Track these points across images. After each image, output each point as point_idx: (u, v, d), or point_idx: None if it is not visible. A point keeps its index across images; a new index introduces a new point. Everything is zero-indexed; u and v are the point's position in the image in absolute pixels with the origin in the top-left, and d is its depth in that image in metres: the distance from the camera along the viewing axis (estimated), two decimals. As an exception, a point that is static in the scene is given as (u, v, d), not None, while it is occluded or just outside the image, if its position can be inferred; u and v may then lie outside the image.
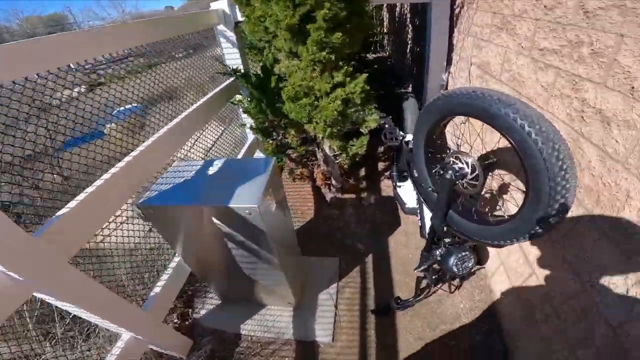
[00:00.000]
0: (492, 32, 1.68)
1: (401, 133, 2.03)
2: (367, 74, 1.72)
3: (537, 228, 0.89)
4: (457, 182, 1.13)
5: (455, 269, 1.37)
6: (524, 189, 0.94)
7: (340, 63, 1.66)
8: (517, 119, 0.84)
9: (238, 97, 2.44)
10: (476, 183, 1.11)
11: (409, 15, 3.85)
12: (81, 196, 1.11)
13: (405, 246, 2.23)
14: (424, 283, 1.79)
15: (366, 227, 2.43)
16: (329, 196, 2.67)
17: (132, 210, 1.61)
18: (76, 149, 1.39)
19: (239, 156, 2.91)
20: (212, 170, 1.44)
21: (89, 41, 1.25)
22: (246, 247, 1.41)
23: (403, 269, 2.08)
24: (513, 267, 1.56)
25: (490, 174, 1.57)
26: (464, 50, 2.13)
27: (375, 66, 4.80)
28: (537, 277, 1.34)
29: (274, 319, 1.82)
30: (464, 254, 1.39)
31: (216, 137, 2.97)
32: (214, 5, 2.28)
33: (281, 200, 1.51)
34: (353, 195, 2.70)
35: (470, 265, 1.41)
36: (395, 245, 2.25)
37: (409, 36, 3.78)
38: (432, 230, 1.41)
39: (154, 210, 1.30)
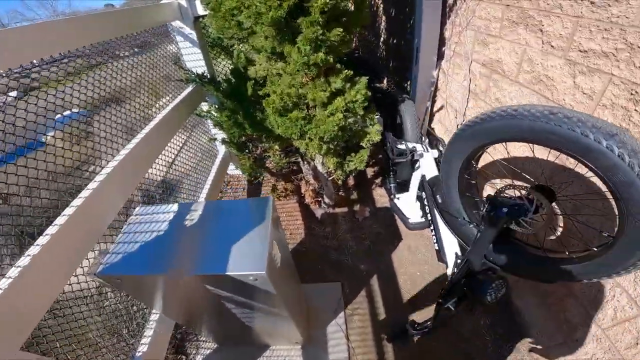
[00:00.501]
0: (504, 27, 1.48)
1: (411, 146, 1.81)
2: (367, 77, 1.45)
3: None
4: (512, 221, 0.91)
5: (489, 299, 1.21)
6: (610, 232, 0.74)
7: (338, 65, 1.36)
8: (625, 155, 0.62)
9: (205, 106, 2.03)
10: (536, 221, 0.90)
11: (382, 5, 3.60)
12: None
13: (412, 263, 2.04)
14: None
15: (364, 245, 2.20)
16: (319, 212, 2.39)
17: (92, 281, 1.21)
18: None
19: (212, 171, 2.52)
20: (191, 219, 1.09)
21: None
22: (248, 306, 1.11)
23: (413, 287, 1.91)
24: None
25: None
26: (460, 45, 1.93)
27: (345, 59, 4.51)
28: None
29: (282, 361, 1.57)
30: (498, 282, 1.23)
31: (178, 146, 2.54)
32: (165, -1, 1.84)
33: (283, 242, 1.22)
34: (345, 209, 2.45)
35: (503, 292, 1.25)
36: (400, 262, 2.05)
37: (384, 27, 3.54)
38: (465, 264, 1.21)
39: (122, 279, 0.96)
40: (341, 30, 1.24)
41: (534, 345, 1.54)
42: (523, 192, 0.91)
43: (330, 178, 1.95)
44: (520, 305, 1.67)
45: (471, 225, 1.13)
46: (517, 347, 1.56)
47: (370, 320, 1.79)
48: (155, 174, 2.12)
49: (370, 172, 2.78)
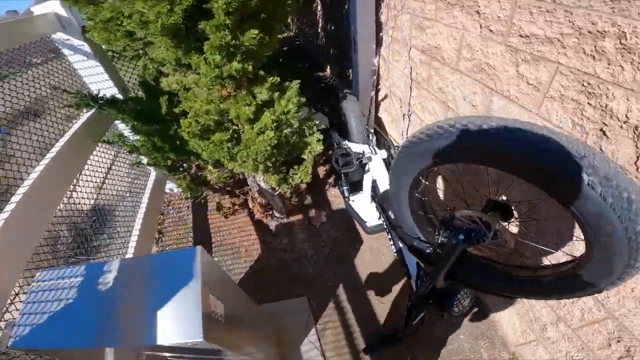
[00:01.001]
0: (440, 9, 1.35)
1: (358, 149, 1.66)
2: (299, 81, 1.24)
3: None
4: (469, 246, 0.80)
5: (456, 311, 1.15)
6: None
7: (261, 72, 1.13)
8: (597, 185, 0.52)
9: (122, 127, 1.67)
10: (493, 244, 0.80)
11: (312, -15, 3.34)
12: None
13: (375, 265, 1.95)
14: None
15: (325, 252, 2.07)
16: (272, 224, 2.19)
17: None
18: None
19: (146, 193, 2.17)
20: (107, 282, 0.87)
21: None
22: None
23: (381, 293, 1.82)
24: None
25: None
26: (397, 30, 1.79)
27: (286, 48, 4.19)
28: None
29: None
30: (464, 293, 1.16)
31: (106, 167, 2.15)
32: (38, 9, 1.43)
33: (227, 283, 1.03)
34: (300, 216, 2.27)
35: (470, 301, 1.20)
36: (364, 267, 1.96)
37: (321, 13, 3.30)
38: (427, 283, 1.11)
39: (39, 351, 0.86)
40: (257, 32, 1.01)
41: (509, 341, 1.54)
42: (477, 214, 0.79)
43: (277, 193, 1.75)
44: (489, 302, 1.66)
45: (427, 250, 1.01)
46: (493, 343, 1.55)
47: (343, 333, 1.71)
48: (83, 202, 1.82)
49: (322, 171, 2.62)
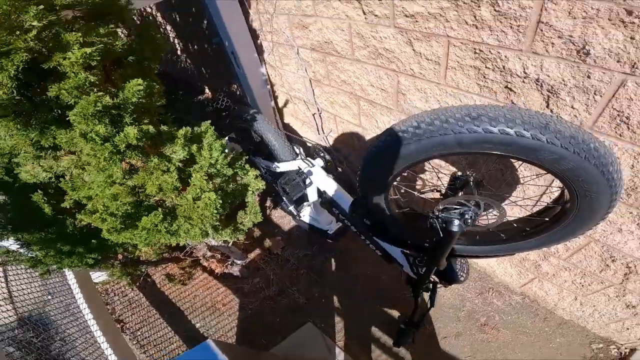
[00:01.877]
0: (318, 3, 1.35)
1: (291, 167, 1.57)
2: (208, 121, 1.07)
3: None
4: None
5: (462, 279, 1.22)
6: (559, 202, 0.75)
7: (164, 128, 0.93)
8: (567, 144, 0.59)
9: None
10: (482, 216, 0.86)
11: (159, 15, 2.94)
12: None
13: (357, 265, 1.95)
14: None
15: (301, 274, 1.96)
16: (235, 271, 1.95)
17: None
18: None
19: (76, 291, 1.73)
20: None
21: None
22: None
23: (374, 285, 1.85)
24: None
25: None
26: (277, 34, 1.73)
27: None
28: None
29: None
30: (461, 262, 1.24)
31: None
32: None
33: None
34: (257, 251, 2.09)
35: (467, 266, 1.28)
36: (347, 270, 1.96)
37: (176, 37, 2.95)
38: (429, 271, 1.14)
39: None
40: (140, 81, 0.80)
41: (512, 286, 1.68)
42: (465, 197, 0.82)
43: (231, 243, 1.54)
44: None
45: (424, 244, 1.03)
46: (500, 292, 1.68)
47: (365, 337, 1.68)
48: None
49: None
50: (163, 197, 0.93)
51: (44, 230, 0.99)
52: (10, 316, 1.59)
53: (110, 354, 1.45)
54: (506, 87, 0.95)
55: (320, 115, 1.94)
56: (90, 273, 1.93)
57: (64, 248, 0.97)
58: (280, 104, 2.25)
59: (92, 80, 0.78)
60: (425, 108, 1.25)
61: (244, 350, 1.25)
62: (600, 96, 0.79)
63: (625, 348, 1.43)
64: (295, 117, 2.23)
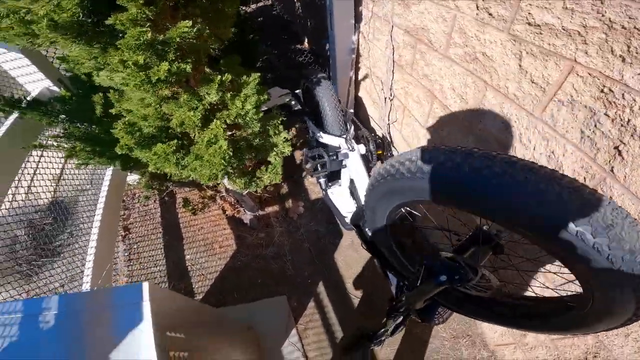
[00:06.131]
0: (428, -18, 1.12)
1: (334, 143, 1.49)
2: (258, 74, 1.01)
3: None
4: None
5: (436, 322, 1.13)
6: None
7: (207, 70, 0.90)
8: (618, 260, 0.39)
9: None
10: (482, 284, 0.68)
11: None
12: None
13: (358, 262, 1.86)
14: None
15: (304, 247, 1.95)
16: (247, 218, 2.03)
17: None
18: None
19: (104, 187, 1.86)
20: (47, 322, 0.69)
21: None
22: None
23: (363, 290, 1.75)
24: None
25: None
26: (378, 5, 1.54)
27: (260, 19, 3.70)
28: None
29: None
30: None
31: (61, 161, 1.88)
32: None
33: (187, 312, 0.88)
34: (276, 208, 2.12)
35: (448, 314, 1.16)
36: (346, 264, 1.87)
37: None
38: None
39: None
40: (189, 24, 0.77)
41: (488, 340, 1.52)
42: (462, 259, 0.65)
43: (246, 192, 1.57)
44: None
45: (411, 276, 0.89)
46: (474, 342, 1.53)
47: (325, 333, 1.64)
48: (40, 196, 1.63)
49: (298, 155, 2.42)
50: (183, 129, 0.94)
51: (88, 128, 1.10)
52: (48, 198, 1.67)
53: (89, 260, 1.47)
54: (616, 147, 0.68)
55: (391, 102, 1.75)
56: (128, 173, 2.07)
57: (97, 148, 1.08)
58: (360, 77, 2.09)
59: (148, 14, 0.77)
60: (501, 138, 1.01)
61: (188, 301, 1.23)
62: None
63: None
64: (368, 94, 2.07)
